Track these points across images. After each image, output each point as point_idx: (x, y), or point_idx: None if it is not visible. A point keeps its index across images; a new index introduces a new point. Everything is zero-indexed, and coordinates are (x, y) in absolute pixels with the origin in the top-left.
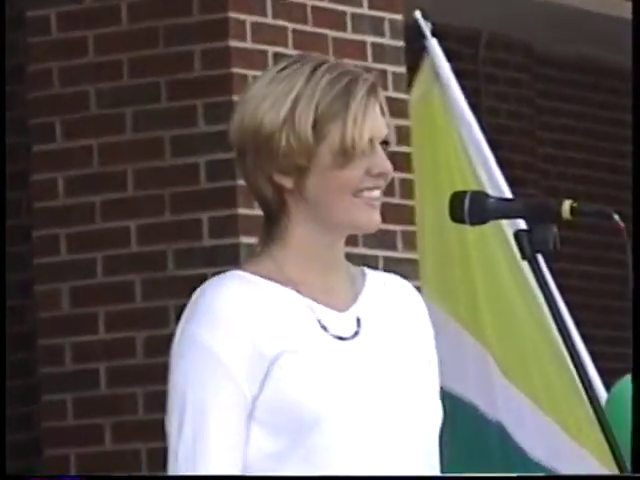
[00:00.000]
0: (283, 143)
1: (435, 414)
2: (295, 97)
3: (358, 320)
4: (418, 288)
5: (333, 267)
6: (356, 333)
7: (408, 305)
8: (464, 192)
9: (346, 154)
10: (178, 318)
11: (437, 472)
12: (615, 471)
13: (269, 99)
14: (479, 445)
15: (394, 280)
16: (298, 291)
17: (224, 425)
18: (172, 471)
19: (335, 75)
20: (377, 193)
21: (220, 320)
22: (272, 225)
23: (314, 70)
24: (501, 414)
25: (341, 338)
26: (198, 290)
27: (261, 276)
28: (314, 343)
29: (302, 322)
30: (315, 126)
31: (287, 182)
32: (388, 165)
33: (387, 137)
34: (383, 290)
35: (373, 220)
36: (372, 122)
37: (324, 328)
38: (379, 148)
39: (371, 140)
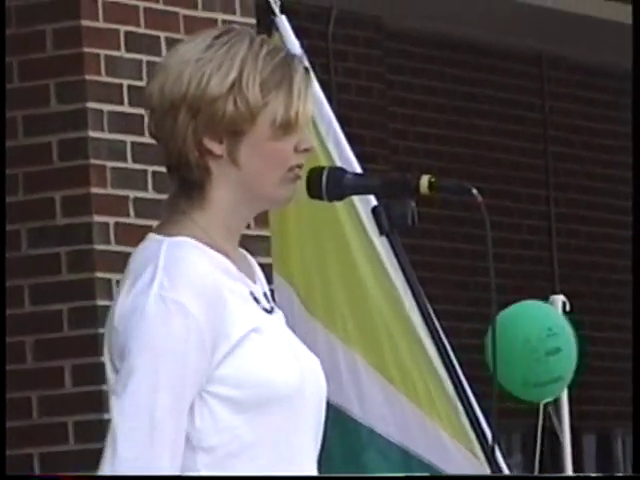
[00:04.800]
0: (229, 107)
1: None
2: (241, 61)
3: (265, 294)
4: (270, 265)
5: (238, 240)
6: (272, 308)
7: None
8: (322, 168)
9: (287, 126)
10: (33, 297)
11: None
12: (468, 447)
13: (213, 63)
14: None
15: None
16: (231, 260)
17: (189, 402)
18: (139, 434)
19: (272, 48)
20: (299, 170)
21: (202, 292)
22: (190, 189)
23: (252, 40)
24: (346, 392)
25: (267, 311)
26: (163, 258)
27: (204, 244)
28: (260, 318)
29: (243, 295)
30: (259, 93)
31: (217, 148)
32: (312, 142)
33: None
34: (254, 264)
35: (291, 195)
36: (311, 98)
37: (256, 301)
38: (306, 125)
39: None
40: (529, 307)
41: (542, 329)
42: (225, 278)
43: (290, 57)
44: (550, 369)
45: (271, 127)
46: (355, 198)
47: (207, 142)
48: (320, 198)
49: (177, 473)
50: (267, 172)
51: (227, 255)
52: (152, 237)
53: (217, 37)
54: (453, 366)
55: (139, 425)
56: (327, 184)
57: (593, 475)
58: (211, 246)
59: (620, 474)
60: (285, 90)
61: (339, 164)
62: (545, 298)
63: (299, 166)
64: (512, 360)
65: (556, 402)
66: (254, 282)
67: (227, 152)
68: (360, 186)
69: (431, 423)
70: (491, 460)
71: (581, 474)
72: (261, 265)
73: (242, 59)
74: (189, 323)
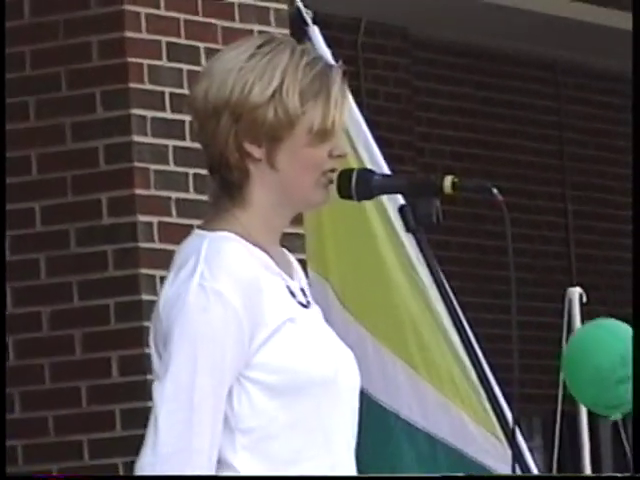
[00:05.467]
0: (270, 115)
1: None
2: (282, 72)
3: (302, 290)
4: (304, 261)
5: (279, 239)
6: (308, 302)
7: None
8: (351, 170)
9: (324, 133)
10: (81, 292)
11: None
12: (491, 431)
13: (256, 72)
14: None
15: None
16: (270, 256)
17: (228, 386)
18: (180, 417)
19: (311, 58)
20: (333, 174)
21: (240, 283)
22: (230, 189)
23: (293, 50)
24: (374, 380)
25: (303, 305)
26: (205, 249)
27: (244, 239)
28: (295, 310)
29: (280, 288)
30: (299, 102)
31: (257, 152)
32: (346, 149)
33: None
34: (294, 262)
35: (325, 199)
36: (346, 107)
37: (292, 295)
38: (341, 132)
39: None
40: (603, 330)
41: (614, 357)
42: (263, 271)
43: (329, 67)
44: (620, 395)
45: (308, 134)
46: (384, 197)
47: (247, 146)
48: (350, 198)
49: (216, 454)
50: (302, 176)
51: (266, 251)
52: (196, 232)
53: (260, 46)
54: (476, 354)
55: (179, 408)
56: (356, 185)
57: (592, 475)
58: (251, 241)
59: (621, 474)
60: (323, 100)
61: (369, 165)
62: (563, 290)
63: (332, 170)
64: (582, 384)
65: (625, 418)
66: (292, 278)
67: (266, 156)
68: (387, 186)
69: (455, 409)
70: (512, 443)
71: (581, 474)
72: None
73: (283, 69)
74: (227, 311)
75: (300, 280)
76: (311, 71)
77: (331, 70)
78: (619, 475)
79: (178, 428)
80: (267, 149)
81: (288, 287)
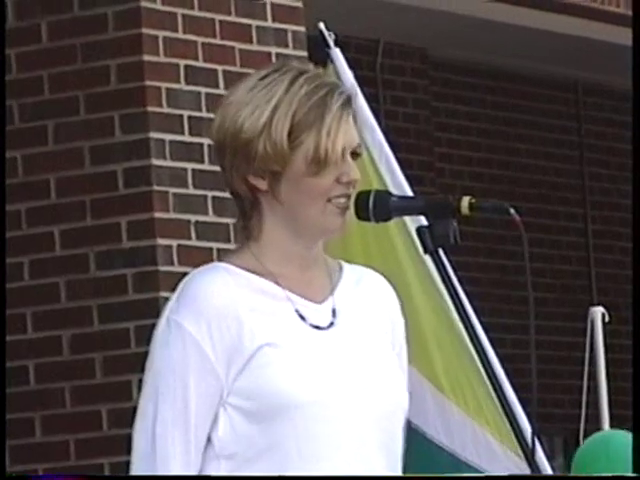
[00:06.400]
0: (260, 149)
1: (403, 402)
2: (274, 106)
3: (334, 311)
4: None
5: (310, 263)
6: (332, 324)
7: (381, 298)
8: (368, 191)
9: (319, 163)
10: (101, 316)
11: (399, 462)
12: (514, 450)
13: (250, 106)
14: None
15: (369, 274)
16: (277, 283)
17: (199, 415)
18: (142, 448)
19: (313, 87)
20: (344, 200)
21: (205, 313)
22: (247, 221)
23: (293, 80)
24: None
25: (318, 327)
26: (183, 282)
27: (243, 268)
28: (292, 333)
29: (281, 312)
30: (290, 134)
31: (261, 184)
32: (356, 174)
33: (357, 147)
34: (358, 283)
35: (340, 225)
36: (344, 134)
37: (302, 318)
38: (349, 158)
39: (343, 150)
40: (617, 438)
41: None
42: (253, 297)
43: (330, 94)
44: None
45: (304, 164)
46: (407, 218)
47: (251, 179)
48: (368, 220)
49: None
50: (307, 205)
51: (275, 278)
52: None
53: (262, 78)
54: (496, 374)
55: (146, 438)
56: (374, 207)
57: (593, 475)
58: (252, 271)
59: (621, 474)
60: (316, 130)
61: (391, 187)
62: (584, 310)
63: (343, 197)
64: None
65: None
66: (318, 301)
67: (269, 188)
68: (405, 208)
69: (480, 429)
70: (531, 462)
71: (582, 474)
72: None
73: (275, 104)
74: (186, 343)
75: (336, 301)
76: (308, 101)
77: (332, 97)
78: (618, 475)
79: (145, 459)
80: (269, 181)
81: (297, 311)
